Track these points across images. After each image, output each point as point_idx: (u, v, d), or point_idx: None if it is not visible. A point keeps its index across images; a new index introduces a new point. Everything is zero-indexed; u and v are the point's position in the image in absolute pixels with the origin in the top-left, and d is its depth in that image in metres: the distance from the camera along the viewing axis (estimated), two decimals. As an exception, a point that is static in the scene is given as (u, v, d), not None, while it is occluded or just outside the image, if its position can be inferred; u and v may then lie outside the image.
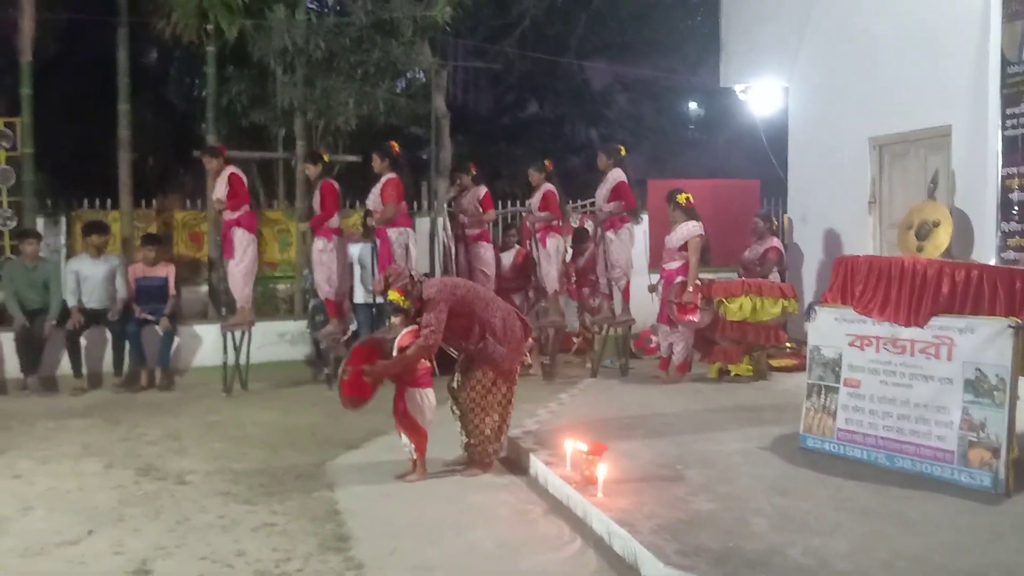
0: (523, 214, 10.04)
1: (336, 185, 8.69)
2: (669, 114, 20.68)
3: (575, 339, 9.93)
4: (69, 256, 9.73)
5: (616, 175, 8.69)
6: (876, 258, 5.78)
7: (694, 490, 4.75)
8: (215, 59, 10.73)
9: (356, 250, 9.23)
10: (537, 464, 5.28)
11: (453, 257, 10.20)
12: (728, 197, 12.42)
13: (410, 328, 5.27)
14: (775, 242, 9.32)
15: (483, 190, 9.17)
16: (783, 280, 9.05)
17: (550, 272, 8.83)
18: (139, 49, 12.78)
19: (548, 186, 8.90)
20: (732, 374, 8.24)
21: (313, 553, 4.15)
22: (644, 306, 9.16)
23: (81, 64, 13.06)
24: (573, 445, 5.06)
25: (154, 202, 11.12)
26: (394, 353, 5.25)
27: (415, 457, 5.33)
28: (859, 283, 5.51)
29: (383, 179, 8.40)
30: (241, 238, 8.31)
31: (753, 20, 10.80)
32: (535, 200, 8.95)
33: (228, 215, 8.35)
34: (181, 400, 8.11)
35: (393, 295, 5.25)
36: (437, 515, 4.71)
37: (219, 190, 8.38)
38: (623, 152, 8.93)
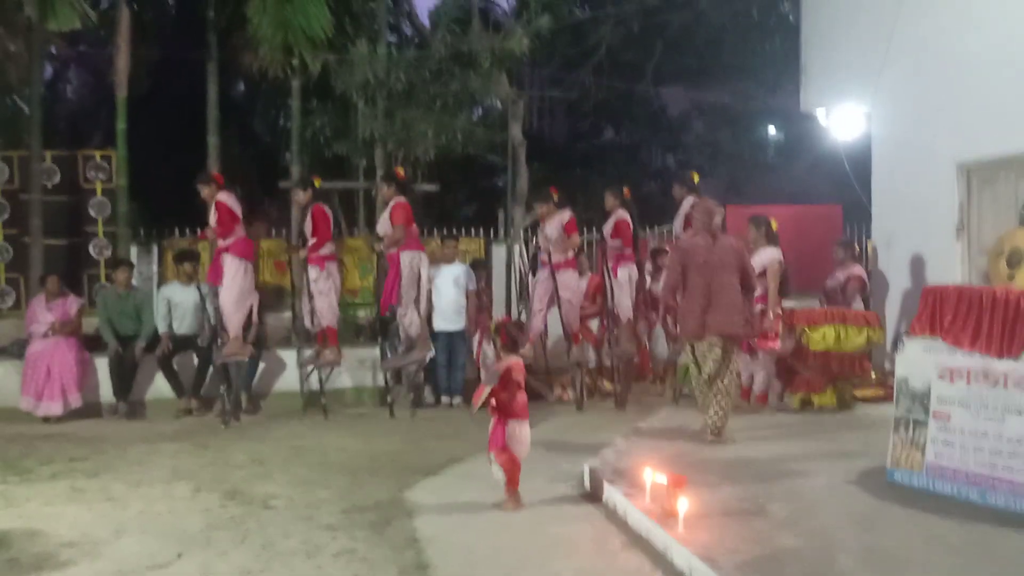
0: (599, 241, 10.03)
1: (328, 210, 8.74)
2: (747, 139, 20.45)
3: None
4: (161, 284, 10.07)
5: (690, 202, 8.67)
6: (966, 288, 5.61)
7: (777, 525, 4.66)
8: (300, 92, 11.08)
9: (437, 278, 9.34)
10: (616, 495, 5.23)
11: (530, 285, 10.26)
12: (810, 223, 12.20)
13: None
14: (858, 269, 9.11)
15: (567, 214, 8.95)
16: (867, 308, 8.84)
17: (623, 300, 8.80)
18: (227, 83, 13.24)
19: (622, 213, 8.88)
20: (816, 405, 8.06)
21: (393, 581, 4.20)
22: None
23: (173, 99, 13.60)
24: (652, 476, 5.02)
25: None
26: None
27: (507, 488, 5.30)
28: (948, 313, 5.35)
29: (391, 203, 8.51)
30: (230, 264, 8.28)
31: (834, 43, 10.63)
32: (608, 227, 8.93)
33: (220, 242, 8.31)
34: (265, 425, 8.30)
35: (492, 327, 5.42)
36: (516, 545, 4.70)
37: (211, 218, 8.34)
38: (696, 179, 8.89)
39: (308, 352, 8.99)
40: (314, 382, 8.87)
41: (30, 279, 10.13)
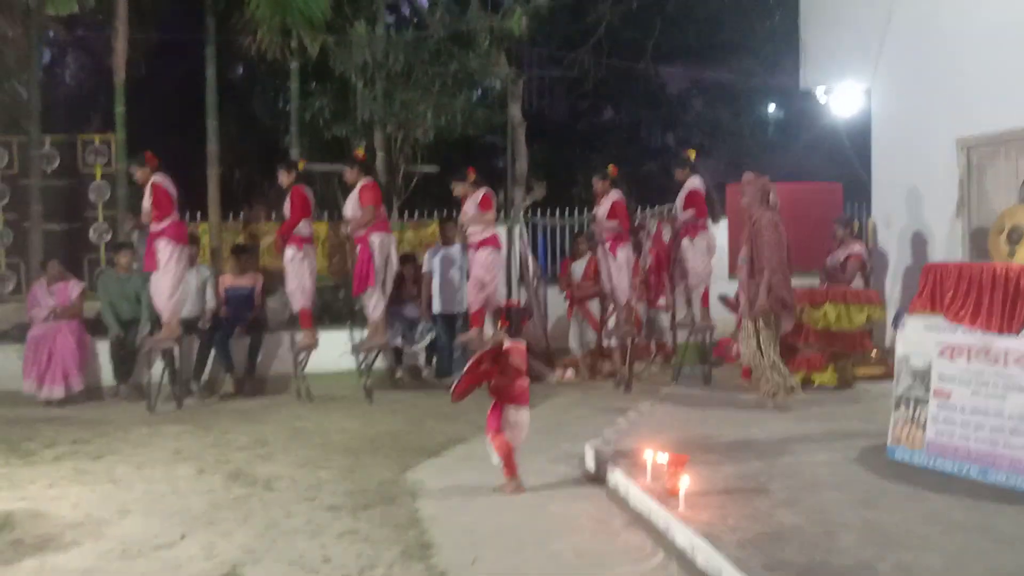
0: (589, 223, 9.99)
1: (307, 192, 8.63)
2: (747, 117, 20.37)
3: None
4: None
5: (690, 183, 8.66)
6: (967, 265, 5.62)
7: (779, 503, 4.68)
8: (298, 74, 11.03)
9: (436, 261, 9.35)
10: (617, 475, 5.26)
11: (529, 266, 10.27)
12: (809, 201, 12.16)
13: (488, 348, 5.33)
14: (858, 247, 9.10)
15: (482, 192, 8.87)
16: (867, 286, 8.84)
17: (621, 282, 8.78)
18: (226, 66, 13.16)
19: (616, 194, 8.83)
20: (816, 383, 8.08)
21: (396, 560, 4.22)
22: (724, 312, 9.06)
23: (171, 82, 13.54)
24: (654, 456, 5.04)
25: (241, 214, 11.45)
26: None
27: (505, 472, 5.29)
28: (949, 290, 5.36)
29: (359, 185, 8.44)
30: (164, 248, 8.05)
31: (833, 21, 10.57)
32: (602, 209, 8.86)
33: (153, 227, 8.09)
34: (267, 407, 8.32)
35: None
36: (518, 524, 4.73)
37: (145, 201, 8.14)
38: (693, 156, 8.86)
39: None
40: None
41: (30, 264, 10.12)
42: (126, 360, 8.90)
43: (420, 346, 9.55)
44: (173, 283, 8.12)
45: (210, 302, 9.23)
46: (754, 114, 21.07)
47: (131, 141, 10.37)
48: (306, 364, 8.73)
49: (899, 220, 9.67)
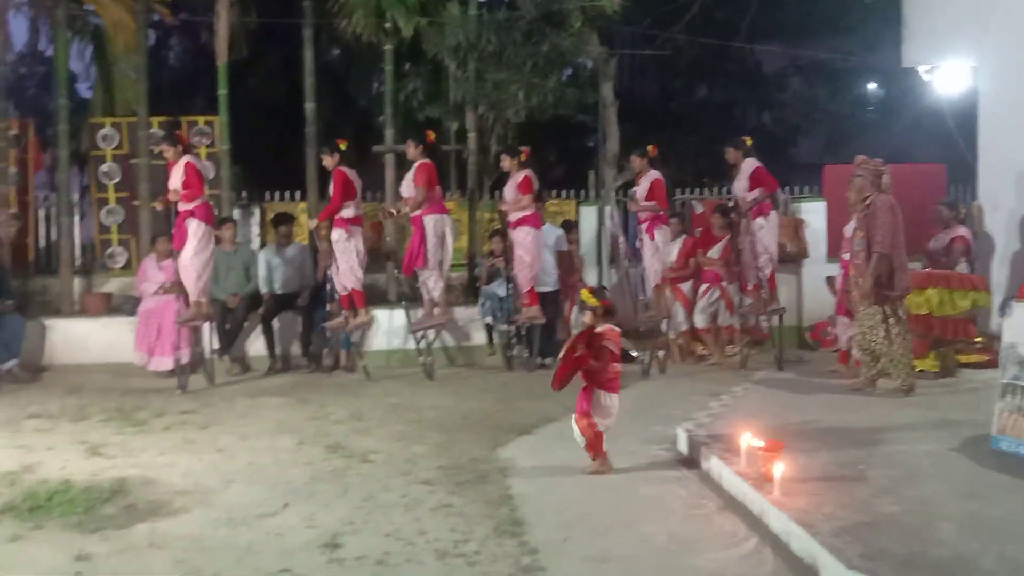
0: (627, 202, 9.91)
1: (349, 174, 8.63)
2: (846, 96, 19.76)
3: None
4: (262, 246, 10.38)
5: (751, 163, 8.55)
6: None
7: (877, 492, 4.58)
8: (392, 57, 11.17)
9: (551, 238, 9.39)
10: (711, 459, 5.23)
11: (620, 247, 10.22)
12: (911, 183, 11.67)
13: (582, 330, 5.34)
14: (962, 231, 8.79)
15: (522, 175, 8.84)
16: (972, 271, 8.53)
17: (653, 264, 8.73)
18: (323, 49, 13.44)
19: (654, 173, 8.77)
20: (917, 370, 7.84)
21: (489, 536, 4.28)
22: (820, 296, 8.89)
23: (271, 65, 13.89)
24: (749, 441, 4.99)
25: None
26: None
27: (590, 455, 5.30)
28: (1062, 277, 5.14)
29: (416, 165, 8.46)
30: (196, 229, 8.11)
31: (938, -4, 10.18)
32: (641, 189, 8.82)
33: (183, 206, 8.12)
34: (362, 382, 8.54)
35: (584, 294, 5.44)
36: (609, 506, 4.76)
37: (175, 180, 8.17)
38: (750, 143, 8.73)
39: (335, 320, 8.92)
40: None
41: (141, 240, 10.56)
42: (231, 333, 9.23)
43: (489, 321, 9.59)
44: (203, 263, 8.25)
45: (307, 279, 9.50)
46: (853, 93, 20.43)
47: (233, 123, 10.69)
48: (363, 343, 8.98)
49: (1007, 203, 9.29)
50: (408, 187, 8.56)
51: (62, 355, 9.33)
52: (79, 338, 9.34)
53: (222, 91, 10.60)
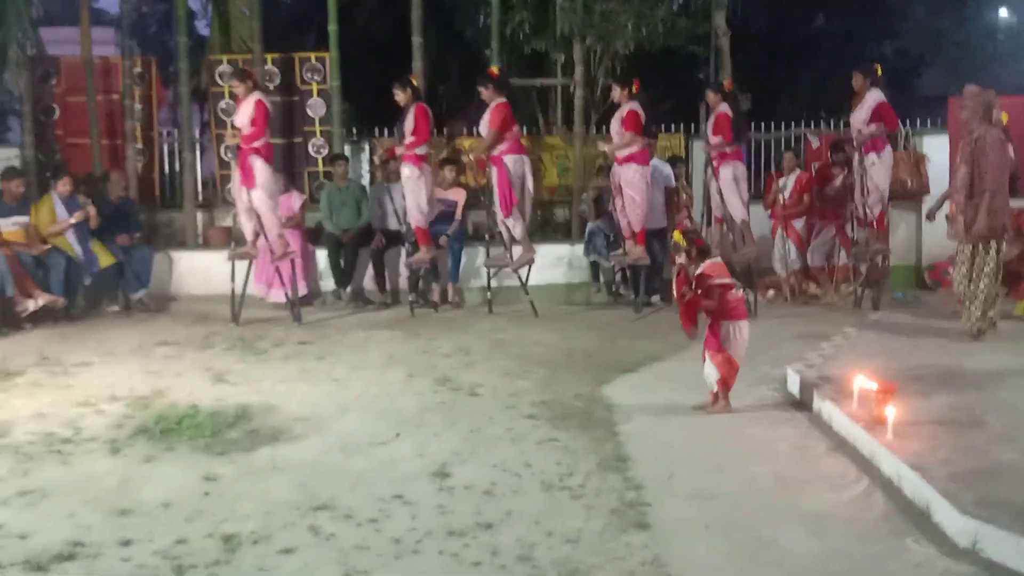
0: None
1: (428, 110, 8.54)
2: (974, 25, 18.58)
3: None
4: (372, 182, 10.57)
5: (875, 96, 8.13)
6: None
7: (995, 438, 4.44)
8: (500, -12, 11.06)
9: (661, 174, 9.26)
10: (821, 400, 5.15)
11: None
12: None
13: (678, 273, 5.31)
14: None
15: (628, 107, 8.54)
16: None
17: (732, 202, 8.45)
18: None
19: (723, 107, 8.44)
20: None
21: (594, 471, 4.33)
22: (941, 234, 8.50)
23: (377, 0, 13.93)
24: (861, 382, 4.88)
25: (444, 130, 11.76)
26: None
27: (716, 390, 5.27)
28: None
29: (492, 105, 8.32)
30: (261, 168, 8.07)
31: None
32: (709, 124, 8.54)
33: (248, 143, 8.05)
34: (468, 317, 8.68)
35: (676, 235, 5.37)
36: (715, 445, 4.75)
37: (242, 117, 8.10)
38: (880, 71, 8.26)
39: (416, 254, 8.92)
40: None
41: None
42: (345, 267, 9.50)
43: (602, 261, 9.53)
44: (275, 201, 8.38)
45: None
46: (982, 21, 19.18)
47: (343, 59, 10.82)
48: (423, 278, 9.12)
49: None
50: (485, 126, 8.54)
51: (188, 286, 9.82)
52: (203, 270, 9.78)
53: (332, 27, 10.71)
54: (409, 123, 8.53)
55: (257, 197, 8.17)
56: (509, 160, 8.46)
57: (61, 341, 7.54)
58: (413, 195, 8.60)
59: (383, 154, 9.17)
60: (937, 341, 6.91)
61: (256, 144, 8.07)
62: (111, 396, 5.70)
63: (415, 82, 8.77)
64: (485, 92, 8.53)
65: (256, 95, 8.16)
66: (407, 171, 8.56)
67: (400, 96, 8.59)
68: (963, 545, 3.41)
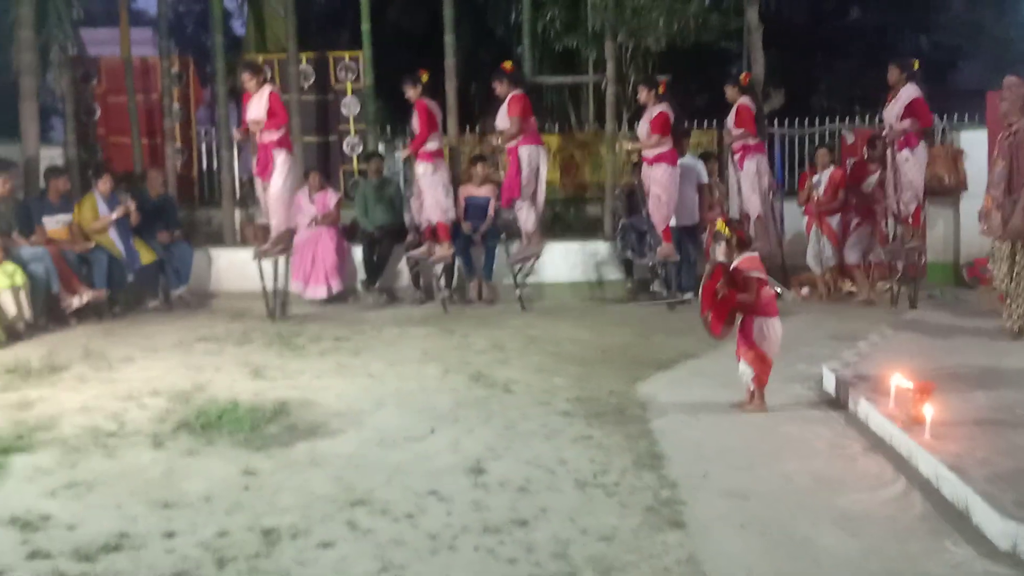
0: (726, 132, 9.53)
1: (432, 106, 8.51)
2: (1014, 17, 18.25)
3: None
4: (406, 179, 10.64)
5: (911, 91, 8.04)
6: None
7: (1036, 439, 4.40)
8: (531, -15, 11.08)
9: (694, 171, 9.26)
10: (858, 399, 5.12)
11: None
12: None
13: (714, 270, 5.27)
14: None
15: (657, 109, 8.58)
16: None
17: (750, 197, 8.42)
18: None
19: (744, 100, 8.41)
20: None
21: (628, 468, 4.34)
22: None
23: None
24: (898, 381, 4.85)
25: (477, 126, 11.81)
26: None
27: (753, 388, 5.26)
28: None
29: (508, 97, 8.33)
30: (283, 160, 8.08)
31: None
32: (730, 117, 8.52)
33: (268, 136, 8.06)
34: (502, 314, 8.72)
35: (719, 224, 5.36)
36: (750, 443, 4.74)
37: (257, 110, 8.07)
38: (916, 67, 8.18)
39: (418, 249, 9.01)
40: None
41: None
42: (378, 263, 9.58)
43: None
44: (291, 193, 8.41)
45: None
46: (1022, 14, 18.85)
47: (375, 57, 10.90)
48: (444, 275, 9.13)
49: None
50: (503, 119, 8.55)
51: (226, 282, 9.97)
52: (240, 266, 9.90)
53: (365, 26, 10.80)
54: (414, 120, 8.62)
55: (275, 189, 8.19)
56: (524, 151, 8.49)
57: (105, 336, 7.69)
58: (430, 191, 8.63)
59: (407, 153, 9.28)
60: (975, 339, 6.84)
61: (276, 135, 8.09)
62: (153, 390, 5.80)
63: (424, 78, 8.81)
64: (500, 87, 8.61)
65: (268, 87, 8.22)
66: (420, 168, 8.64)
67: (409, 92, 8.64)
68: (1003, 547, 3.39)
